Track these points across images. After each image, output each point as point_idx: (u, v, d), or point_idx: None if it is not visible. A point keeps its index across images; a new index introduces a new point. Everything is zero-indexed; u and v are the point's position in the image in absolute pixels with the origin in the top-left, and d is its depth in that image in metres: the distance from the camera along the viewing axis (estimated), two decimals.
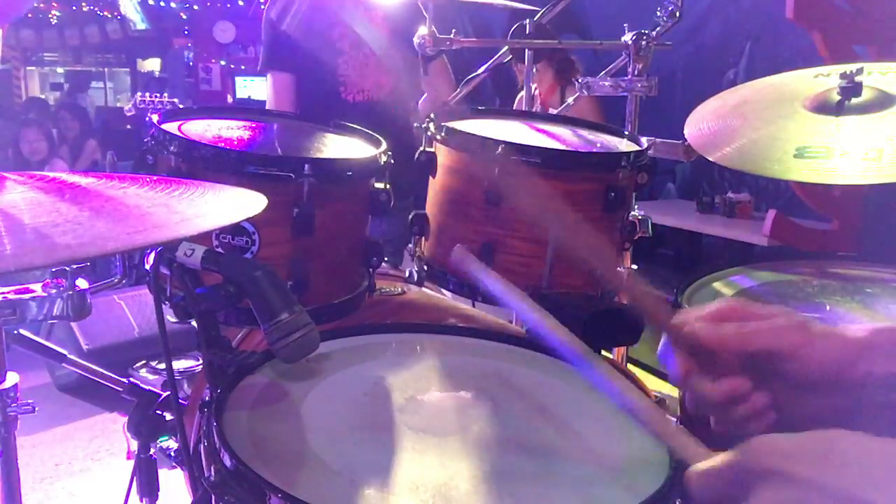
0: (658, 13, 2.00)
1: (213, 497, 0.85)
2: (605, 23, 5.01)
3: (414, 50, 2.52)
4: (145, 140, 1.35)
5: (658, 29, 1.99)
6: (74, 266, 1.13)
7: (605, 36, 2.21)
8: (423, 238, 1.55)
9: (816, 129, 1.32)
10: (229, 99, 9.31)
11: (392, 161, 1.40)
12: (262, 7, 2.62)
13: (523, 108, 2.46)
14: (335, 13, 2.23)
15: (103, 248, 0.67)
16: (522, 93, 2.55)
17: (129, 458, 1.38)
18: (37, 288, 1.14)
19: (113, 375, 1.41)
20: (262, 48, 2.60)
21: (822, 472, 0.56)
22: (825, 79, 1.44)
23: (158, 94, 3.38)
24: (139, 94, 3.34)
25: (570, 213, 0.96)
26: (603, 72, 2.28)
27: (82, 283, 1.16)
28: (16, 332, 1.28)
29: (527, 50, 2.38)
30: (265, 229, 1.26)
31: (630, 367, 1.87)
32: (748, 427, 0.73)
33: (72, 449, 3.23)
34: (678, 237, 4.54)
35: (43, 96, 9.76)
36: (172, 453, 1.33)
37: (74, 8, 9.03)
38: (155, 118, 1.37)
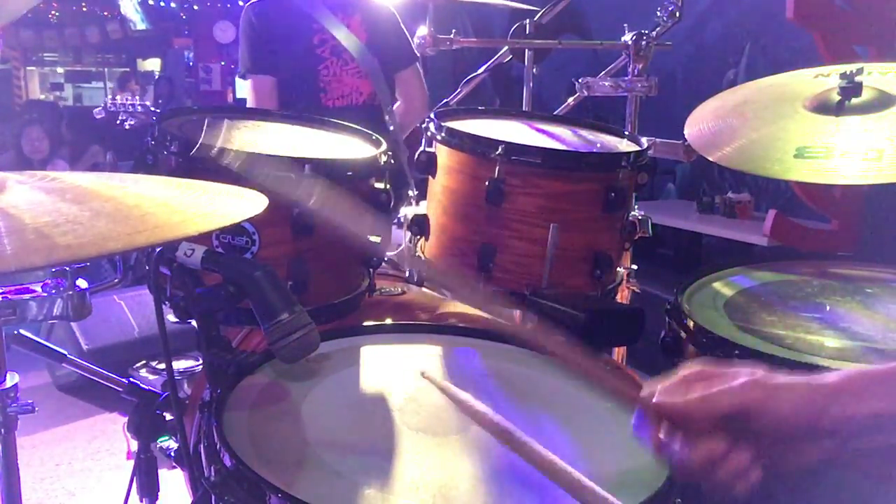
0: (658, 13, 2.00)
1: (213, 497, 0.85)
2: (605, 23, 5.01)
3: (389, 56, 2.53)
4: (145, 140, 1.35)
5: (658, 29, 1.99)
6: (74, 266, 1.13)
7: (605, 36, 2.21)
8: (423, 238, 1.55)
9: (816, 129, 1.32)
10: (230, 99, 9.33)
11: (392, 162, 1.40)
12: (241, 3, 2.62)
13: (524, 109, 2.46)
14: (315, 20, 2.23)
15: (104, 249, 0.67)
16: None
17: (129, 458, 1.38)
18: (37, 288, 1.14)
19: (113, 375, 1.40)
20: (243, 52, 2.60)
21: None
22: (825, 79, 1.44)
23: (130, 97, 3.30)
24: (109, 96, 3.27)
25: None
26: (603, 72, 2.28)
27: (82, 283, 1.16)
28: (16, 332, 1.28)
29: (527, 50, 2.38)
30: (265, 229, 1.26)
31: (630, 367, 1.87)
32: (735, 486, 0.74)
33: (72, 449, 3.23)
34: (678, 237, 4.53)
35: (43, 96, 9.76)
36: (172, 453, 1.33)
37: (74, 8, 9.03)
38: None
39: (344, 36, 2.10)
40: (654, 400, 0.77)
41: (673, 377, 0.78)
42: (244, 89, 2.73)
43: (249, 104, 2.59)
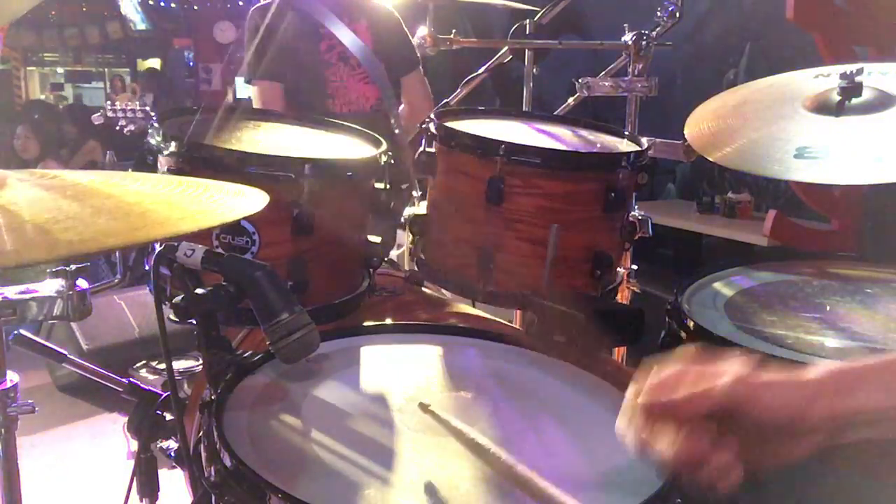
0: (658, 13, 2.00)
1: (213, 497, 0.85)
2: (605, 23, 5.01)
3: (395, 61, 2.53)
4: (145, 140, 1.35)
5: (658, 29, 1.99)
6: (75, 266, 1.13)
7: (605, 36, 2.21)
8: (423, 238, 1.55)
9: (816, 129, 1.32)
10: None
11: (392, 162, 1.40)
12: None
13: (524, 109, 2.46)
14: (322, 25, 2.23)
15: (104, 245, 0.67)
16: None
17: (129, 458, 1.38)
18: (37, 288, 1.14)
19: (113, 375, 1.40)
20: (248, 56, 2.57)
21: None
22: (825, 79, 1.44)
23: (131, 98, 3.28)
24: (108, 102, 3.22)
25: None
26: (603, 72, 2.28)
27: (82, 283, 1.16)
28: (16, 332, 1.28)
29: (527, 50, 2.38)
30: (265, 229, 1.26)
31: (630, 367, 1.86)
32: (717, 486, 0.74)
33: (72, 449, 3.23)
34: (678, 237, 4.53)
35: (43, 97, 9.75)
36: (172, 453, 1.33)
37: (74, 8, 9.02)
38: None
39: (351, 41, 2.10)
40: (639, 400, 0.78)
41: (654, 376, 0.79)
42: (247, 92, 2.71)
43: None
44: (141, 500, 1.36)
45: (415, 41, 2.32)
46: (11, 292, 1.12)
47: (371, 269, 1.45)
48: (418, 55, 2.51)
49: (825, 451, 0.73)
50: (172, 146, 1.27)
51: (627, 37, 1.99)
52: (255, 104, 2.56)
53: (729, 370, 0.75)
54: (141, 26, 9.38)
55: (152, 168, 1.34)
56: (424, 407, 0.96)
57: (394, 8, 2.59)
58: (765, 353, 1.10)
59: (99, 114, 3.17)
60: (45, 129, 5.37)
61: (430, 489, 0.81)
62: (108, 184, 0.86)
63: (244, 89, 9.24)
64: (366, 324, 1.28)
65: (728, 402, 0.73)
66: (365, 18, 2.54)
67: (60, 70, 10.34)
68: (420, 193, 1.73)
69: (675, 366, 0.79)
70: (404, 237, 1.64)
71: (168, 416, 1.31)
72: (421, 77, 2.69)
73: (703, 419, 0.74)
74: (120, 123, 3.16)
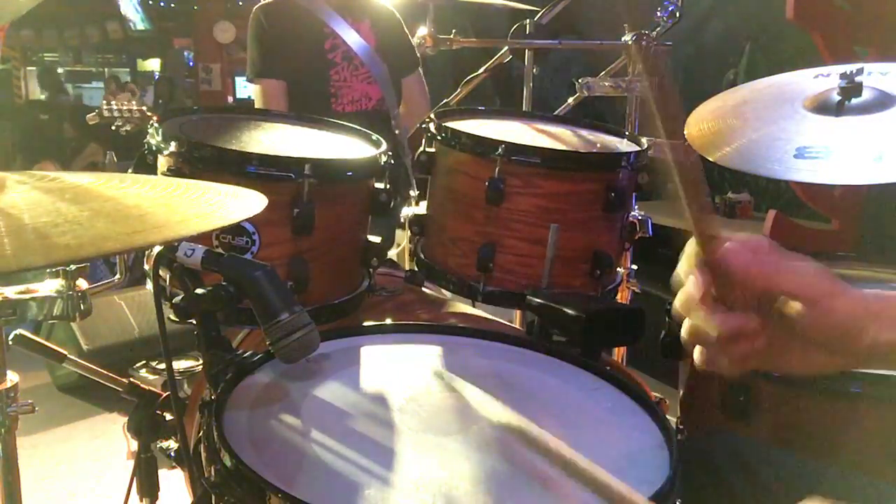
0: (658, 13, 2.00)
1: (213, 497, 0.85)
2: (605, 23, 5.00)
3: (396, 61, 2.53)
4: (145, 140, 1.35)
5: (658, 29, 1.99)
6: (74, 266, 1.13)
7: (605, 36, 2.21)
8: (423, 238, 1.55)
9: (816, 129, 1.32)
10: (230, 99, 9.32)
11: (392, 162, 1.40)
12: None
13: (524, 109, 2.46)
14: (325, 24, 2.23)
15: (103, 249, 0.67)
16: None
17: (129, 458, 1.38)
18: (37, 288, 1.14)
19: (113, 375, 1.40)
20: (252, 55, 2.56)
21: None
22: (825, 79, 1.44)
23: (129, 98, 3.22)
24: (104, 101, 3.18)
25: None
26: (603, 72, 2.28)
27: (82, 283, 1.16)
28: (16, 332, 1.28)
29: (527, 50, 2.38)
30: (265, 229, 1.26)
31: (630, 367, 1.87)
32: (735, 365, 0.73)
33: (72, 449, 3.23)
34: (678, 237, 4.53)
35: (43, 97, 9.77)
36: (172, 453, 1.33)
37: (74, 8, 9.03)
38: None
39: (355, 41, 2.10)
40: (718, 253, 0.75)
41: (743, 237, 0.77)
42: (247, 91, 2.70)
43: (259, 106, 2.56)
44: (141, 500, 1.36)
45: (415, 41, 2.32)
46: (11, 292, 1.12)
47: (371, 269, 1.45)
48: (418, 56, 2.51)
49: (827, 451, 0.73)
50: (172, 146, 1.27)
51: (627, 37, 1.99)
52: (258, 102, 2.55)
53: (811, 264, 0.73)
54: (141, 26, 9.38)
55: (152, 168, 1.34)
56: (440, 374, 0.96)
57: (394, 8, 2.59)
58: None
59: (94, 113, 3.15)
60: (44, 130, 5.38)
61: (430, 489, 0.81)
62: (107, 186, 0.86)
63: (244, 89, 9.25)
64: (366, 324, 1.28)
65: (805, 291, 0.71)
66: (368, 18, 2.54)
67: (60, 70, 10.35)
68: (417, 193, 1.73)
69: (756, 238, 0.77)
70: (404, 237, 1.64)
71: (168, 416, 1.31)
72: (420, 78, 2.69)
73: (770, 297, 0.72)
74: (116, 123, 3.14)
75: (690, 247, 0.78)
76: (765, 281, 0.73)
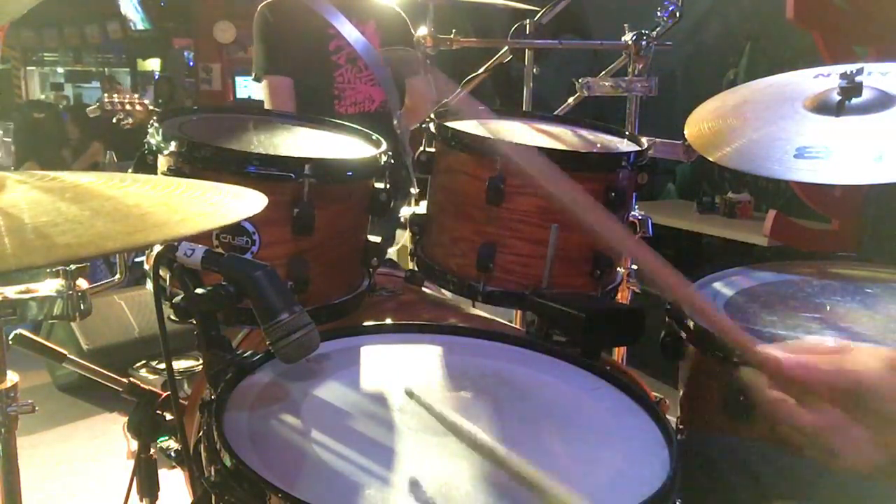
0: (658, 13, 2.00)
1: (213, 497, 0.85)
2: (605, 23, 5.00)
3: (401, 62, 2.52)
4: (145, 140, 1.35)
5: (658, 29, 1.99)
6: (74, 266, 1.13)
7: (605, 36, 2.21)
8: (423, 238, 1.55)
9: (816, 129, 1.32)
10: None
11: (392, 162, 1.40)
12: None
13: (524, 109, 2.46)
14: (330, 25, 2.23)
15: (103, 248, 0.67)
16: None
17: (129, 458, 1.38)
18: (37, 288, 1.14)
19: (113, 375, 1.41)
20: (258, 53, 2.55)
21: None
22: (825, 79, 1.44)
23: (129, 95, 3.20)
24: (106, 95, 3.17)
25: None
26: (603, 72, 2.28)
27: (82, 283, 1.16)
28: (16, 332, 1.28)
29: (527, 50, 2.38)
30: (265, 229, 1.26)
31: (630, 367, 1.87)
32: (849, 460, 0.73)
33: (72, 449, 3.23)
34: (678, 237, 4.53)
35: (43, 96, 9.75)
36: (172, 453, 1.33)
37: (74, 8, 9.02)
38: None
39: (359, 43, 2.10)
40: (785, 361, 0.74)
41: (789, 345, 0.77)
42: (248, 91, 2.70)
43: (267, 107, 2.54)
44: (141, 500, 1.36)
45: (415, 41, 2.32)
46: (11, 292, 1.12)
47: (371, 269, 1.45)
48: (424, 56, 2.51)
49: (827, 451, 0.73)
50: (172, 146, 1.27)
51: (627, 37, 1.99)
52: (266, 101, 2.55)
53: (880, 352, 0.73)
54: (141, 26, 9.37)
55: (153, 168, 1.34)
56: (410, 393, 0.97)
57: (383, 21, 2.59)
58: None
59: (95, 106, 3.14)
60: (45, 129, 5.37)
61: (430, 489, 0.81)
62: (107, 185, 0.86)
63: (244, 89, 9.24)
64: (366, 324, 1.28)
65: (868, 380, 0.71)
66: (373, 19, 2.54)
67: (60, 70, 10.34)
68: (419, 193, 1.73)
69: (823, 345, 0.77)
70: (404, 237, 1.64)
71: (168, 416, 1.31)
72: (426, 78, 2.68)
73: (842, 394, 0.72)
74: (117, 116, 3.14)
75: (751, 376, 0.78)
76: (835, 378, 0.73)
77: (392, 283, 1.65)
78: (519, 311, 2.01)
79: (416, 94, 2.64)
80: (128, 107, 3.02)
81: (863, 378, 0.72)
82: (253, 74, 2.58)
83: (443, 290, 1.65)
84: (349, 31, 2.06)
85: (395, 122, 2.03)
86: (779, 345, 0.78)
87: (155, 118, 1.38)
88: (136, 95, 3.04)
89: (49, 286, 1.14)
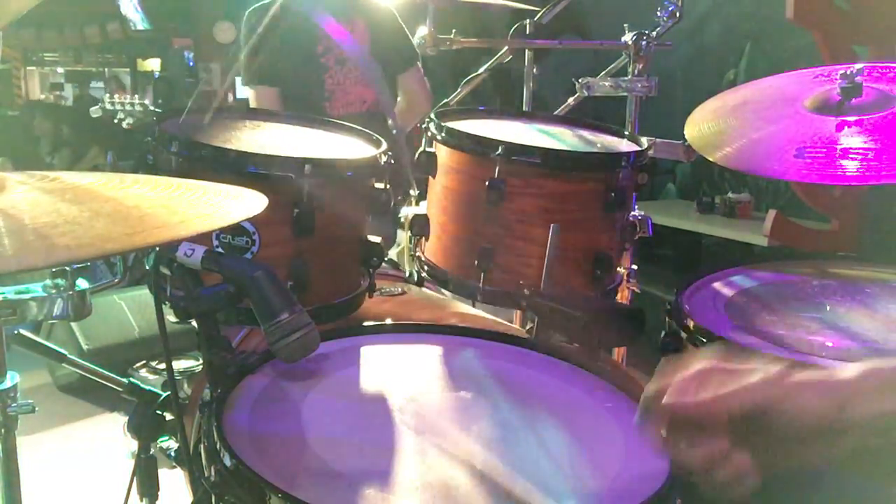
0: (658, 13, 2.00)
1: (213, 497, 0.85)
2: (605, 23, 5.01)
3: (392, 58, 2.51)
4: (146, 140, 1.35)
5: (658, 29, 1.99)
6: (74, 266, 1.13)
7: (605, 36, 2.21)
8: (423, 238, 1.55)
9: (816, 129, 1.32)
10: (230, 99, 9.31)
11: (392, 162, 1.40)
12: None
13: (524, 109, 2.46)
14: (318, 26, 2.22)
15: (103, 249, 0.67)
16: None
17: (129, 458, 1.38)
18: (37, 288, 1.14)
19: (113, 375, 1.41)
20: (245, 60, 2.55)
21: None
22: (825, 79, 1.44)
23: (130, 96, 3.22)
24: (107, 95, 3.20)
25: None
26: (603, 72, 2.28)
27: (82, 283, 1.16)
28: (16, 332, 1.28)
29: (527, 50, 2.38)
30: (265, 229, 1.26)
31: (630, 367, 1.87)
32: (731, 490, 0.72)
33: (72, 449, 3.23)
34: (678, 237, 4.53)
35: (43, 96, 9.75)
36: (172, 453, 1.33)
37: (74, 8, 9.02)
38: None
39: (347, 44, 2.10)
40: (664, 401, 0.75)
41: (679, 374, 0.76)
42: (247, 92, 2.70)
43: None
44: (141, 500, 1.36)
45: (415, 41, 2.32)
46: (11, 292, 1.12)
47: (371, 270, 1.45)
48: (417, 51, 2.50)
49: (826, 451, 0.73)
50: (172, 146, 1.27)
51: (627, 37, 1.99)
52: (254, 105, 2.55)
53: (757, 370, 0.72)
54: (141, 26, 9.37)
55: (153, 168, 1.34)
56: (410, 394, 0.97)
57: (394, 8, 2.58)
58: (765, 353, 1.10)
59: (97, 107, 3.15)
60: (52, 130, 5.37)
61: (430, 489, 0.81)
62: (107, 186, 0.86)
63: (244, 89, 9.23)
64: (366, 324, 1.28)
65: (759, 402, 0.70)
66: (362, 17, 2.53)
67: (60, 70, 10.33)
68: (417, 192, 1.73)
69: (697, 364, 0.76)
70: (404, 237, 1.64)
71: (168, 416, 1.31)
72: (419, 73, 2.68)
73: (730, 420, 0.72)
74: (118, 116, 3.15)
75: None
76: (714, 412, 0.72)
77: (392, 283, 1.65)
78: (519, 311, 2.01)
79: (410, 91, 2.64)
80: (128, 107, 3.04)
81: (762, 397, 0.71)
82: (241, 80, 2.60)
83: (443, 290, 1.65)
84: (337, 32, 2.05)
85: (389, 122, 2.03)
86: (657, 379, 0.78)
87: (155, 118, 1.38)
88: (136, 96, 3.06)
89: (49, 286, 1.14)
